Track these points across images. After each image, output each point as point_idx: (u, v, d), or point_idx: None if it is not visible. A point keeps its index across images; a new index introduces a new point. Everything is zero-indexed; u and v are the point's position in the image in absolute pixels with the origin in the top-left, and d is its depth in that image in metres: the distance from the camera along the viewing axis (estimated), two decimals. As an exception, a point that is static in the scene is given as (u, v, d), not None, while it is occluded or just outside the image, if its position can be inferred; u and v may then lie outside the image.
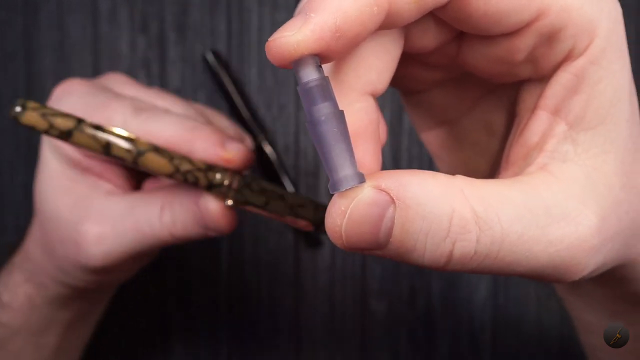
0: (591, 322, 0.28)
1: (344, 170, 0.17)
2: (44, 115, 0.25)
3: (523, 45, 0.19)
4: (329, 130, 0.17)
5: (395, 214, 0.17)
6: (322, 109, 0.17)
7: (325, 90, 0.17)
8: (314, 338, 0.43)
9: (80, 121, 0.25)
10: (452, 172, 0.24)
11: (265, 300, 0.43)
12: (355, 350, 0.43)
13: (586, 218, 0.18)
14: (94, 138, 0.25)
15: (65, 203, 0.30)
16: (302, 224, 0.28)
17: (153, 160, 0.26)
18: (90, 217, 0.29)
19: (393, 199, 0.17)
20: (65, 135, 0.25)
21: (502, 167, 0.22)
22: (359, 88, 0.19)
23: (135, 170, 0.32)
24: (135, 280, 0.41)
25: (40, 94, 0.42)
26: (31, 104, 0.25)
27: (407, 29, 0.20)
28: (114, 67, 0.42)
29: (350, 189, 0.17)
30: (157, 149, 0.26)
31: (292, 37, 0.17)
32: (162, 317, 0.43)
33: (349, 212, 0.17)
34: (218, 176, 0.27)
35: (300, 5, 0.19)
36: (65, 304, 0.33)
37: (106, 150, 0.26)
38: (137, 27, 0.42)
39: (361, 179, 0.17)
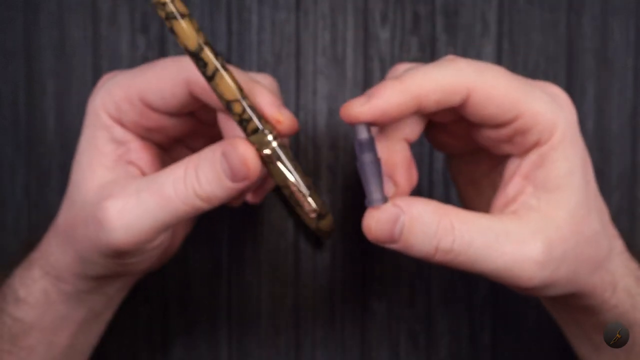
0: (584, 355, 0.34)
1: (376, 194, 0.27)
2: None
3: (505, 133, 0.28)
4: (369, 170, 0.27)
5: (404, 220, 0.27)
6: (367, 157, 0.27)
7: (371, 144, 0.27)
8: (314, 338, 0.43)
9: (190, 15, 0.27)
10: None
11: (265, 300, 0.43)
12: (356, 351, 0.43)
13: (534, 243, 0.27)
14: (195, 33, 0.27)
15: (93, 189, 0.30)
16: (310, 207, 0.30)
17: (227, 80, 0.28)
18: (113, 194, 0.29)
19: (404, 211, 0.27)
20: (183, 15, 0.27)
21: (490, 211, 0.30)
22: (398, 137, 0.30)
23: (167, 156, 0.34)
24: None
25: (40, 94, 0.42)
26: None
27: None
28: (114, 67, 0.42)
29: (378, 205, 0.27)
30: (233, 76, 0.28)
31: (356, 109, 0.27)
32: (162, 317, 0.43)
33: (376, 217, 0.27)
34: (268, 126, 0.29)
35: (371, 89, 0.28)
36: (81, 300, 0.33)
37: (199, 47, 0.27)
38: (137, 27, 0.42)
39: (385, 201, 0.27)
